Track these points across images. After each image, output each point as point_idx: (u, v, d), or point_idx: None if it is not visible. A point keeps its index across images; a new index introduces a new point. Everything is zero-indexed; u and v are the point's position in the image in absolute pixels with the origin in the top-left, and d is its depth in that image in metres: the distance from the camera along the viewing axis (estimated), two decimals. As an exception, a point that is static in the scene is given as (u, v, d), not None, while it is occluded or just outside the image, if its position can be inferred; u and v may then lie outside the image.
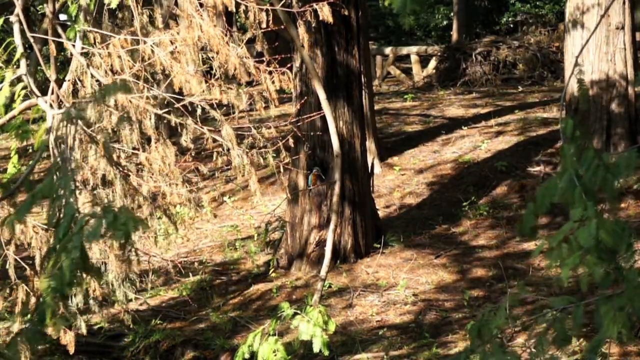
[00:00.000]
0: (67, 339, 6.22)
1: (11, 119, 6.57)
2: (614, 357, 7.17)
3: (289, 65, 7.13)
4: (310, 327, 6.32)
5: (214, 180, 13.07)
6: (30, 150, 10.96)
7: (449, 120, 15.52)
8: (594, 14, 11.02)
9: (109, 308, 8.49)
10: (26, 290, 6.21)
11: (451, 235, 10.68)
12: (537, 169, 12.00)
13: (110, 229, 2.90)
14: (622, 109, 11.13)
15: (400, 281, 9.37)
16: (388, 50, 20.50)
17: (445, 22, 26.54)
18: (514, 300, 3.07)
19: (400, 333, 8.28)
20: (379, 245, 10.19)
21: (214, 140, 6.32)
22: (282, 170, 7.36)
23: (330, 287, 9.29)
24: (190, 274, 10.26)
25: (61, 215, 3.00)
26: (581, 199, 2.49)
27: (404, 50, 20.52)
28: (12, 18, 6.16)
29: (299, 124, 9.31)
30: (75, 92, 6.23)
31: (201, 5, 6.02)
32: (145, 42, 5.95)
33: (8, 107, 6.63)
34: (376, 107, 14.82)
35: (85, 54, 6.18)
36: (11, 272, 6.53)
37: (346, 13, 9.71)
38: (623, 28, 11.07)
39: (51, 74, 6.05)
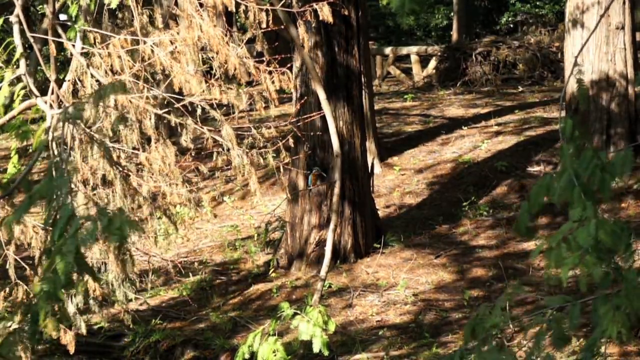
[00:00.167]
0: (67, 339, 6.22)
1: (11, 119, 6.57)
2: (613, 357, 7.17)
3: (289, 65, 7.14)
4: (310, 327, 6.32)
5: (214, 180, 13.07)
6: (31, 150, 10.96)
7: (448, 120, 15.52)
8: (594, 13, 11.02)
9: (109, 308, 8.49)
10: (26, 290, 6.21)
11: (451, 235, 10.68)
12: (537, 169, 12.00)
13: (105, 233, 2.90)
14: (622, 109, 11.13)
15: (400, 281, 9.37)
16: (388, 50, 20.50)
17: (445, 22, 26.54)
18: (509, 298, 3.07)
19: (400, 333, 8.28)
20: (379, 245, 10.19)
21: (214, 140, 6.32)
22: (282, 170, 7.36)
23: (330, 287, 9.29)
24: (190, 274, 10.27)
25: (57, 217, 3.00)
26: (580, 199, 2.49)
27: (404, 50, 20.52)
28: (12, 18, 6.17)
29: (299, 124, 9.32)
30: (75, 92, 6.24)
31: (201, 5, 6.02)
32: (145, 42, 5.95)
33: (8, 107, 6.63)
34: (376, 107, 14.82)
35: (85, 54, 6.18)
36: (11, 272, 6.53)
37: (346, 13, 9.72)
38: (623, 28, 11.07)
39: (51, 74, 6.05)
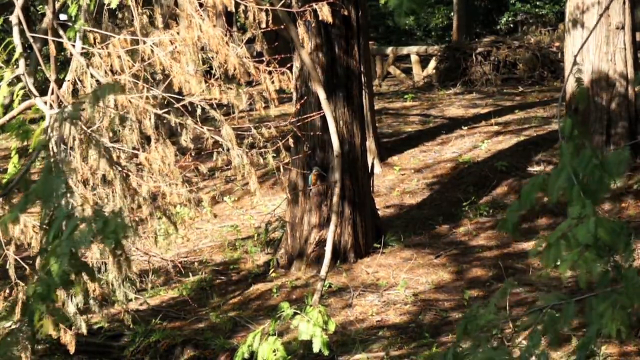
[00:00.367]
0: (67, 338, 6.22)
1: (11, 119, 6.58)
2: (613, 357, 7.17)
3: (288, 65, 7.14)
4: (310, 327, 6.33)
5: (214, 180, 13.07)
6: (31, 151, 10.96)
7: (448, 120, 15.52)
8: (594, 13, 11.02)
9: (109, 308, 8.48)
10: (26, 290, 6.21)
11: (451, 235, 10.68)
12: (537, 169, 12.01)
13: (100, 235, 2.90)
14: (622, 109, 11.14)
15: (400, 281, 9.37)
16: (388, 50, 20.49)
17: (445, 22, 26.55)
18: (502, 295, 3.07)
19: (400, 333, 8.28)
20: (379, 245, 10.19)
21: (214, 141, 6.33)
22: (282, 170, 7.36)
23: (330, 286, 9.30)
24: (190, 274, 10.27)
25: (53, 217, 3.00)
26: (579, 197, 2.49)
27: (404, 50, 20.52)
28: (12, 18, 6.17)
29: (299, 124, 9.32)
30: (75, 93, 6.24)
31: (201, 5, 6.03)
32: (144, 42, 5.95)
33: (8, 107, 6.63)
34: (376, 107, 14.82)
35: (85, 54, 6.18)
36: (11, 272, 6.53)
37: (346, 13, 9.72)
38: (623, 28, 11.07)
39: (51, 74, 6.05)
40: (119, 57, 5.90)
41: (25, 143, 6.33)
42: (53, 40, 6.11)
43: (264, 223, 11.31)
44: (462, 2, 22.94)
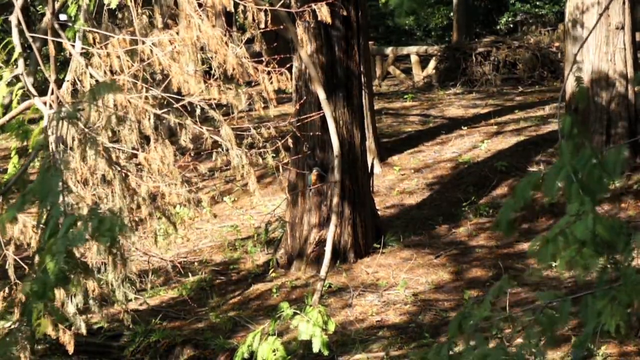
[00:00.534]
0: (66, 338, 6.22)
1: (11, 119, 6.58)
2: (613, 357, 7.17)
3: (288, 65, 7.14)
4: (310, 327, 6.33)
5: (214, 180, 13.07)
6: (31, 150, 10.96)
7: (448, 120, 15.52)
8: (594, 13, 11.02)
9: (109, 308, 8.49)
10: (22, 288, 6.21)
11: (451, 235, 10.68)
12: (537, 169, 12.00)
13: (96, 233, 2.90)
14: (622, 109, 11.13)
15: (400, 281, 9.37)
16: (388, 50, 20.49)
17: (445, 22, 26.55)
18: (499, 293, 3.06)
19: (399, 333, 8.28)
20: (378, 245, 10.19)
21: (214, 141, 6.33)
22: (281, 170, 7.36)
23: (330, 286, 9.29)
24: (190, 274, 10.27)
25: (50, 216, 3.00)
26: (578, 194, 2.49)
27: (404, 50, 20.52)
28: (11, 18, 6.17)
29: (298, 124, 9.32)
30: (75, 93, 6.24)
31: (200, 5, 6.03)
32: (144, 43, 5.95)
33: (8, 107, 6.63)
34: (376, 107, 14.82)
35: (85, 54, 6.18)
36: (11, 272, 6.53)
37: (346, 13, 9.72)
38: (623, 28, 11.07)
39: (51, 74, 6.05)
40: (118, 57, 5.90)
41: (24, 143, 6.33)
42: (53, 41, 6.11)
43: (264, 223, 11.31)
44: (462, 2, 22.94)
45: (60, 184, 3.10)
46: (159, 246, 8.75)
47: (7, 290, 6.16)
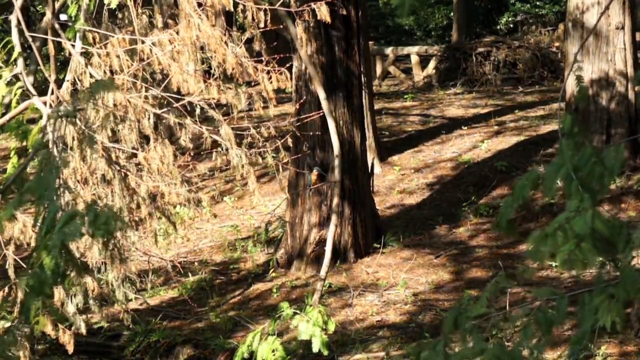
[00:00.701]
0: (66, 338, 6.22)
1: (11, 119, 6.58)
2: (613, 357, 7.17)
3: (288, 64, 7.14)
4: (309, 327, 6.33)
5: (214, 180, 13.07)
6: (30, 150, 10.95)
7: (448, 120, 15.52)
8: (594, 13, 11.02)
9: (109, 308, 8.49)
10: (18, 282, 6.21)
11: (451, 235, 10.68)
12: (537, 169, 11.99)
13: (92, 228, 2.90)
14: (622, 109, 11.13)
15: (400, 281, 9.37)
16: (388, 50, 20.50)
17: (445, 22, 26.55)
18: (495, 289, 3.05)
19: (400, 333, 8.28)
20: (378, 245, 10.19)
21: (214, 141, 6.32)
22: (281, 169, 7.35)
23: (330, 286, 9.29)
24: (190, 274, 10.26)
25: (46, 213, 3.00)
26: (578, 191, 2.49)
27: (404, 50, 20.52)
28: (11, 18, 6.17)
29: (298, 123, 9.32)
30: (75, 92, 6.24)
31: (199, 5, 6.02)
32: (143, 42, 5.95)
33: (8, 107, 6.63)
34: (376, 107, 14.81)
35: (85, 54, 6.18)
36: (11, 272, 6.53)
37: (346, 13, 9.72)
38: (623, 28, 11.06)
39: (51, 74, 6.05)
40: (118, 56, 5.90)
41: (24, 143, 6.34)
42: (53, 40, 6.11)
43: (264, 223, 11.30)
44: (462, 2, 22.95)
45: (58, 180, 3.10)
46: (159, 246, 8.75)
47: (6, 290, 6.17)
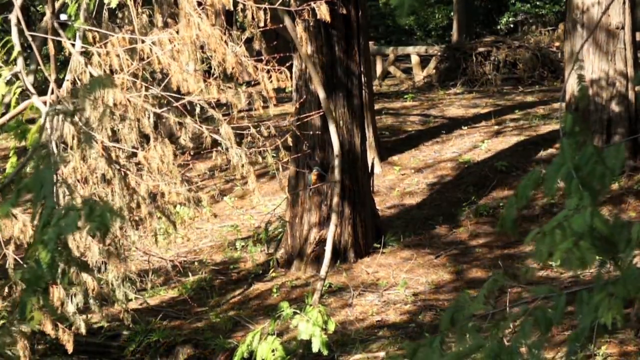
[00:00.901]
0: (66, 338, 6.22)
1: (11, 119, 6.57)
2: (613, 357, 7.16)
3: (288, 64, 7.14)
4: (309, 327, 6.33)
5: (214, 179, 13.07)
6: (29, 148, 10.94)
7: (449, 120, 15.51)
8: (594, 13, 11.01)
9: (109, 308, 8.48)
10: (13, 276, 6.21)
11: (451, 235, 10.67)
12: (539, 168, 11.99)
13: (88, 222, 2.89)
14: (622, 109, 11.13)
15: (400, 281, 9.37)
16: (388, 50, 20.49)
17: (445, 22, 26.56)
18: (492, 287, 3.05)
19: (400, 333, 8.27)
20: (379, 245, 10.19)
21: (214, 140, 6.32)
22: (281, 169, 7.35)
23: (330, 286, 9.29)
24: (190, 274, 10.26)
25: (43, 208, 3.00)
26: (578, 189, 2.48)
27: (404, 50, 20.52)
28: (11, 17, 6.16)
29: (298, 123, 9.31)
30: (75, 92, 6.23)
31: (199, 4, 6.02)
32: (143, 41, 5.95)
33: (8, 106, 6.63)
34: (376, 107, 14.81)
35: (85, 54, 6.18)
36: (11, 272, 6.52)
37: (345, 12, 9.71)
38: (623, 28, 11.06)
39: (51, 74, 6.04)
40: (118, 56, 5.90)
41: (23, 143, 6.33)
42: (52, 40, 6.11)
43: (264, 223, 11.30)
44: (462, 2, 22.95)
45: (55, 176, 3.10)
46: (159, 246, 8.75)
47: (6, 289, 6.17)
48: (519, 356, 2.63)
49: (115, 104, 5.75)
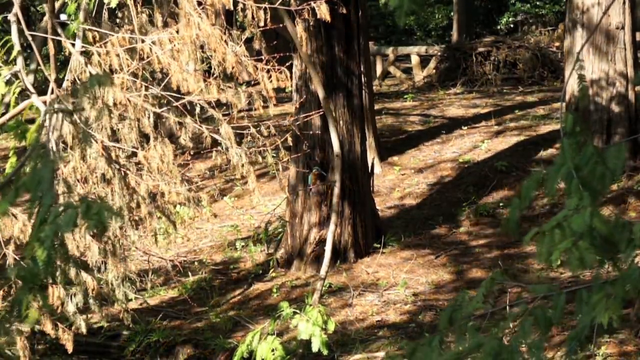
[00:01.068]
0: (66, 338, 6.21)
1: (11, 119, 6.57)
2: (613, 357, 7.16)
3: (288, 64, 7.13)
4: (309, 327, 6.33)
5: (214, 179, 13.06)
6: (28, 148, 10.93)
7: (449, 120, 15.51)
8: (594, 13, 11.01)
9: (109, 307, 8.48)
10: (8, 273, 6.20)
11: (451, 235, 10.67)
12: (538, 169, 11.99)
13: (85, 219, 2.89)
14: (622, 109, 11.13)
15: (400, 281, 9.36)
16: (388, 50, 20.49)
17: (445, 22, 26.56)
18: (490, 286, 3.05)
19: (400, 333, 8.27)
20: (379, 245, 10.18)
21: (214, 140, 6.32)
22: (281, 169, 7.35)
23: (330, 286, 9.28)
24: (190, 274, 10.26)
25: (40, 205, 3.00)
26: (578, 189, 2.48)
27: (404, 50, 20.52)
28: (10, 17, 6.16)
29: (298, 123, 9.31)
30: (73, 90, 6.23)
31: (199, 3, 6.02)
32: (143, 41, 5.95)
33: (8, 106, 6.62)
34: (376, 107, 14.81)
35: (85, 53, 6.18)
36: (10, 271, 6.51)
37: (345, 12, 9.71)
38: (623, 28, 11.06)
39: (51, 74, 6.04)
40: (118, 55, 5.90)
41: (22, 143, 6.33)
42: (52, 40, 6.11)
43: (264, 223, 11.30)
44: (462, 2, 22.95)
45: (53, 175, 3.10)
46: (159, 245, 8.75)
47: (6, 289, 6.16)
48: (519, 355, 2.63)
49: (115, 104, 5.75)
